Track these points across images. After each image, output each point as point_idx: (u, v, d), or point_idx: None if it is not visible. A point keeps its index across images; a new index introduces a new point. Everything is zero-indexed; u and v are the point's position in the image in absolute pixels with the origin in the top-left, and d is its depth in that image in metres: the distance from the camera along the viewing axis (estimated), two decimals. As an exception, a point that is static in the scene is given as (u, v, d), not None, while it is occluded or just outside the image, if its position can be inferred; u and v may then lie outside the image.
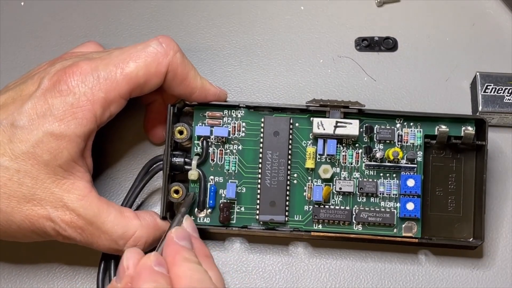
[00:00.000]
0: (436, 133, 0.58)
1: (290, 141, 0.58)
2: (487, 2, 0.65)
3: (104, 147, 0.61)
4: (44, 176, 0.53)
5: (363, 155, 0.58)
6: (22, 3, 0.65)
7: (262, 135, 0.58)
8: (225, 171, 0.58)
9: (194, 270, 0.50)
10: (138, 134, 0.62)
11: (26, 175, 0.52)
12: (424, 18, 0.65)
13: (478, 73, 0.61)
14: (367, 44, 0.64)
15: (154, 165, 0.59)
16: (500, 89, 0.61)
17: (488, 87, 0.61)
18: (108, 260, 0.58)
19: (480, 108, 0.60)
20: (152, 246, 0.57)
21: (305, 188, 0.58)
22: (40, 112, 0.53)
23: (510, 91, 0.61)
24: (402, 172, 0.58)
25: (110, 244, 0.54)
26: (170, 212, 0.58)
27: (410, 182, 0.57)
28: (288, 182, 0.58)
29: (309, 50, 0.64)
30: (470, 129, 0.58)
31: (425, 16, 0.65)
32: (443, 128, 0.58)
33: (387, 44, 0.64)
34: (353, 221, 0.58)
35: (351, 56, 0.64)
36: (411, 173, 0.58)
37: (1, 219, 0.52)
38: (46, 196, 0.53)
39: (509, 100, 0.60)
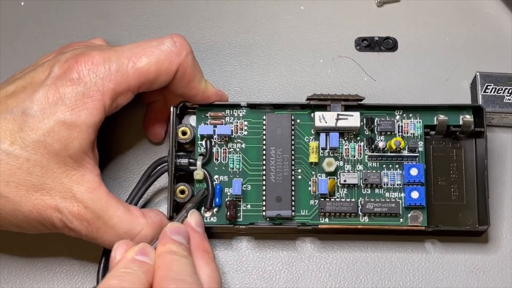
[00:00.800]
0: (435, 123, 0.59)
1: (293, 137, 0.58)
2: (487, 2, 0.65)
3: (104, 147, 0.61)
4: (54, 165, 0.52)
5: (366, 147, 0.59)
6: (22, 3, 0.65)
7: (264, 132, 0.58)
8: (229, 169, 0.58)
9: (174, 261, 0.50)
10: (138, 134, 0.62)
11: (36, 164, 0.52)
12: (424, 18, 0.65)
13: (478, 73, 0.61)
14: (367, 44, 0.64)
15: (159, 167, 0.59)
16: (500, 89, 0.61)
17: (488, 87, 0.61)
18: (109, 256, 0.58)
19: (480, 108, 0.60)
20: None
21: (310, 182, 0.58)
22: (51, 101, 0.52)
23: (510, 91, 0.61)
24: (404, 162, 0.58)
25: (115, 240, 0.54)
26: (177, 212, 0.58)
27: (413, 171, 0.58)
28: (293, 177, 0.58)
29: (309, 50, 0.64)
30: (468, 117, 0.58)
31: (425, 16, 0.65)
32: (442, 117, 0.58)
33: (387, 44, 0.64)
34: (359, 212, 0.58)
35: (351, 56, 0.64)
36: (414, 162, 0.58)
37: (9, 208, 0.52)
38: (55, 186, 0.52)
39: (509, 100, 0.60)
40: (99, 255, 0.57)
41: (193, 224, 0.55)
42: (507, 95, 0.60)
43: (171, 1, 0.65)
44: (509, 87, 0.61)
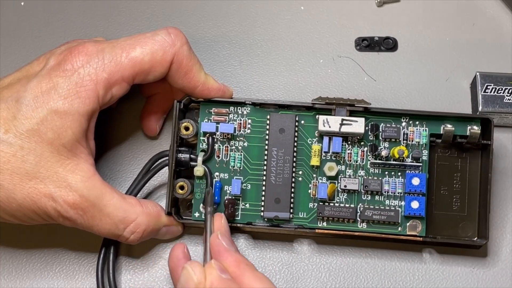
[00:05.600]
0: (441, 132, 0.58)
1: (296, 139, 0.58)
2: (487, 2, 0.65)
3: (104, 139, 0.61)
4: (48, 154, 0.52)
5: (368, 153, 0.58)
6: (22, 3, 0.65)
7: (267, 132, 0.58)
8: (230, 167, 0.58)
9: (261, 280, 0.51)
10: (138, 132, 0.62)
11: (30, 152, 0.52)
12: (424, 18, 0.65)
13: (478, 73, 0.61)
14: (367, 44, 0.64)
15: (160, 160, 0.59)
16: (500, 89, 0.61)
17: (488, 87, 0.61)
18: (108, 247, 0.58)
19: (480, 108, 0.60)
20: (150, 236, 0.57)
21: (310, 185, 0.58)
22: (44, 90, 0.53)
23: (510, 91, 0.61)
24: (407, 171, 0.58)
25: (110, 228, 0.54)
26: (175, 208, 0.58)
27: (415, 181, 0.57)
28: (293, 179, 0.58)
29: (309, 50, 0.64)
30: (476, 129, 0.58)
31: (425, 16, 0.65)
32: (449, 127, 0.58)
33: (387, 44, 0.64)
34: (358, 219, 0.58)
35: (351, 56, 0.64)
36: (416, 171, 0.58)
37: (2, 195, 0.52)
38: (49, 175, 0.52)
39: (509, 100, 0.60)
40: (96, 253, 0.58)
41: (228, 234, 0.55)
42: (507, 95, 0.60)
43: (171, 1, 0.65)
44: (509, 87, 0.61)
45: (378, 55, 0.64)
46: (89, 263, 0.60)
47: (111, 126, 0.62)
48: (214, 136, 0.58)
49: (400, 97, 0.63)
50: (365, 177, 0.58)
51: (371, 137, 0.58)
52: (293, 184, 0.58)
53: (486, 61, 0.63)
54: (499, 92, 0.61)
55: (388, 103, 0.62)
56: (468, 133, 0.58)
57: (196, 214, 0.58)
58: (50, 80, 0.53)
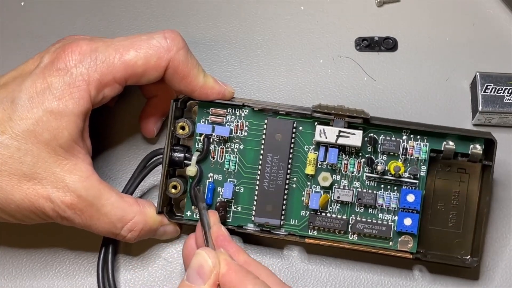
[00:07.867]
0: (442, 149, 0.57)
1: (292, 145, 0.57)
2: (487, 2, 0.65)
3: (101, 144, 0.61)
4: (45, 155, 0.52)
5: (365, 166, 0.58)
6: (22, 3, 0.65)
7: (264, 136, 0.57)
8: (224, 169, 0.58)
9: (266, 270, 0.52)
10: (137, 132, 0.62)
11: (27, 153, 0.52)
12: (424, 18, 0.64)
13: (478, 73, 0.61)
14: (367, 44, 0.64)
15: (154, 158, 0.59)
16: (500, 89, 0.61)
17: (488, 87, 0.61)
18: (107, 246, 0.59)
19: (480, 108, 0.60)
20: (147, 235, 0.57)
21: (303, 193, 0.58)
22: (39, 90, 0.53)
23: (510, 91, 0.61)
24: (403, 186, 0.57)
25: (108, 227, 0.54)
26: (167, 207, 0.58)
27: (410, 197, 0.57)
28: (287, 186, 0.57)
29: (309, 50, 0.64)
30: (478, 148, 0.57)
31: (425, 16, 0.65)
32: (450, 145, 0.57)
33: (387, 44, 0.64)
34: (349, 230, 0.57)
35: (351, 56, 0.64)
36: (412, 188, 0.57)
37: (1, 197, 0.52)
38: (47, 175, 0.53)
39: (509, 100, 0.60)
40: (96, 253, 0.58)
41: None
42: (507, 95, 0.60)
43: (171, 1, 0.65)
44: (509, 87, 0.61)
45: (378, 55, 0.64)
46: (89, 262, 0.60)
47: (109, 126, 0.62)
48: (210, 136, 0.58)
49: (400, 97, 0.63)
50: (360, 190, 0.57)
51: (369, 148, 0.58)
52: (286, 191, 0.57)
53: (486, 61, 0.63)
54: (499, 92, 0.61)
55: (388, 103, 0.62)
56: (470, 152, 0.57)
57: (188, 213, 0.58)
58: (44, 79, 0.53)
